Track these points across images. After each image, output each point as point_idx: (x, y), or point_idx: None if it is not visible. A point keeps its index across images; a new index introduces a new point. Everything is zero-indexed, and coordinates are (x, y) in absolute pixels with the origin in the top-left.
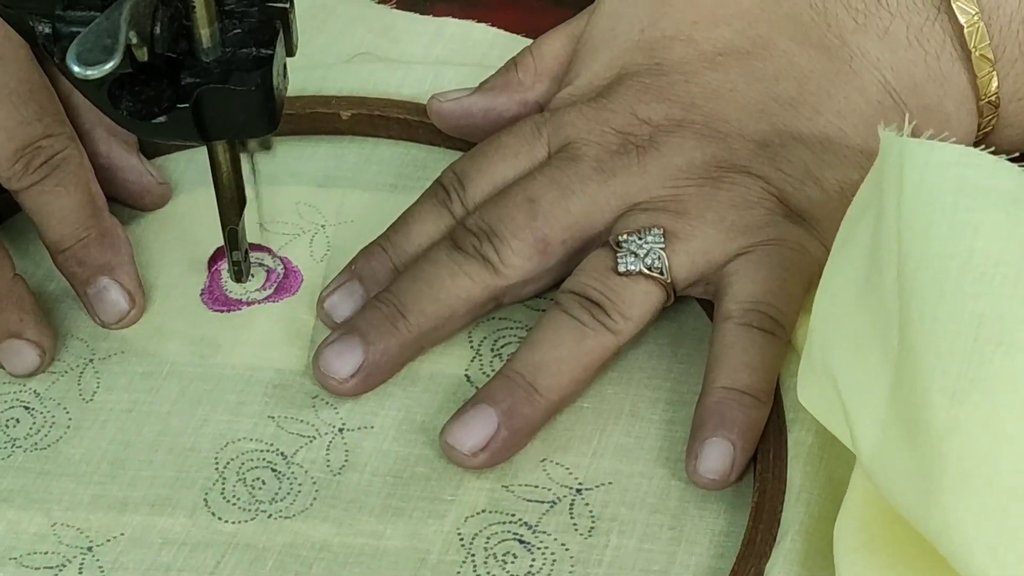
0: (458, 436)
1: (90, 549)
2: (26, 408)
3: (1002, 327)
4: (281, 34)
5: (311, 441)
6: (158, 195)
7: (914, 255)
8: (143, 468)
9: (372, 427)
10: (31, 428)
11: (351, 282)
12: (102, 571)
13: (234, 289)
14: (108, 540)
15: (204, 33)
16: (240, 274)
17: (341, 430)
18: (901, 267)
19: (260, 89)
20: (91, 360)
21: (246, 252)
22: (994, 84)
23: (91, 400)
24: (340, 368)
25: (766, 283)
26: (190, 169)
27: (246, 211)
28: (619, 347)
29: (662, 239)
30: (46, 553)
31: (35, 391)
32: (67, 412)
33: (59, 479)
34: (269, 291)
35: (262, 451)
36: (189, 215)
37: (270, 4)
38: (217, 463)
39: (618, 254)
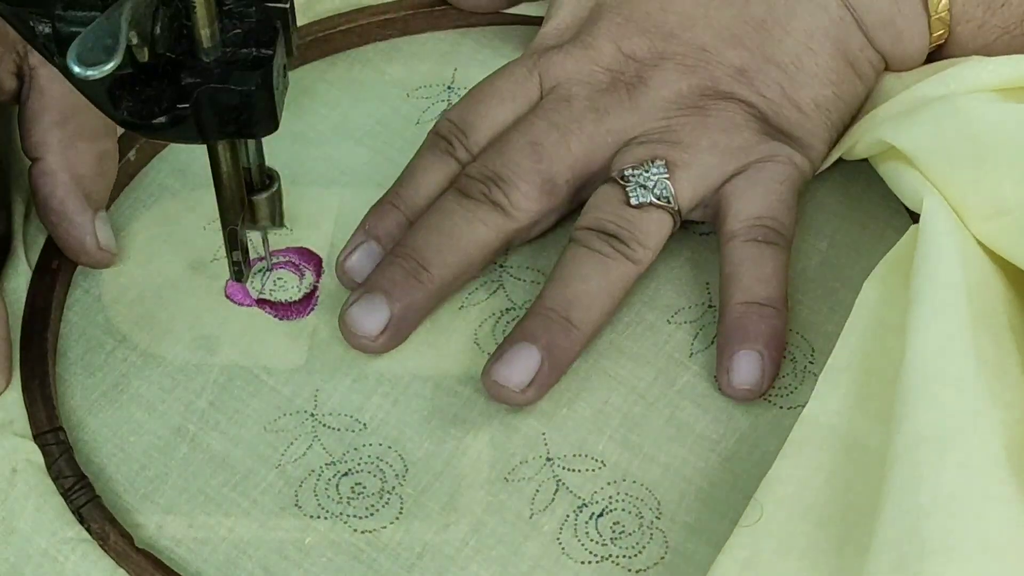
0: (504, 374)
1: None
2: None
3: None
4: (281, 34)
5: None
6: (96, 258)
7: None
8: None
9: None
10: None
11: (367, 242)
12: None
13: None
14: None
15: (204, 33)
16: (240, 274)
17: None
18: None
19: (260, 89)
20: None
21: (246, 252)
22: (944, 1)
23: None
24: (369, 326)
25: (764, 198)
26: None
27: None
28: (639, 275)
29: (665, 170)
30: None
31: None
32: None
33: None
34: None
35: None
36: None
37: (270, 4)
38: None
39: (627, 188)
